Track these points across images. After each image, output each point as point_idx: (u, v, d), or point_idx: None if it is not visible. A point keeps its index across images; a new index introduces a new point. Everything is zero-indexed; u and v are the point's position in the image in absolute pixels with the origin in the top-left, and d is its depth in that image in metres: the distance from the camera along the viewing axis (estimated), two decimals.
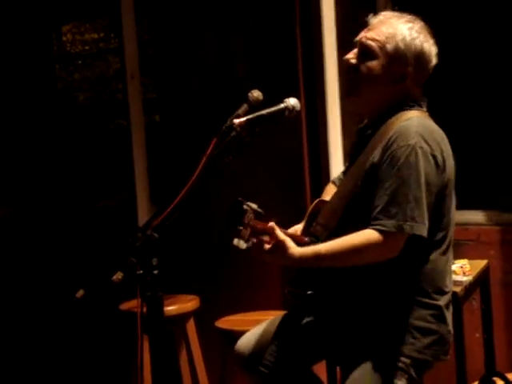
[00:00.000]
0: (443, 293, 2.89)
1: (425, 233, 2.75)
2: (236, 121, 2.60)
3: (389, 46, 2.85)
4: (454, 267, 3.40)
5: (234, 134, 2.59)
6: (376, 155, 2.81)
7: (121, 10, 4.95)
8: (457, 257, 3.57)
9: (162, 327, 2.46)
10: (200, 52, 4.71)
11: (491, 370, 3.53)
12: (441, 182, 2.82)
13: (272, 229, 2.72)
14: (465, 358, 3.28)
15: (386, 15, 2.94)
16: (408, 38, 2.85)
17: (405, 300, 2.84)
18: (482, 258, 3.86)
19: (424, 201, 2.74)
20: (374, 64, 2.86)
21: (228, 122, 2.60)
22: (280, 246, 2.72)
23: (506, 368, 3.81)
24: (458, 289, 3.24)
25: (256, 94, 2.69)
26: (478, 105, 4.43)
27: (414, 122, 2.82)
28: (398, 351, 2.81)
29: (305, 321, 3.07)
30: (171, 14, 4.84)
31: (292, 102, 2.74)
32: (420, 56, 2.87)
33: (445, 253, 2.91)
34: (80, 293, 2.48)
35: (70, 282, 4.71)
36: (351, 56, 2.93)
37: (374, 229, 2.73)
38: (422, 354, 2.84)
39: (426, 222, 2.75)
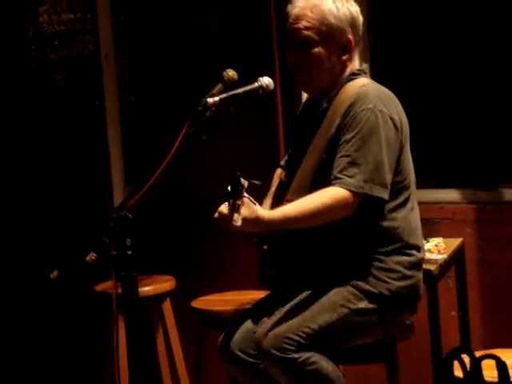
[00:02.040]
0: (419, 248, 3.02)
1: (385, 195, 2.84)
2: (210, 100, 2.61)
3: (324, 28, 2.92)
4: (428, 245, 3.42)
5: (208, 113, 2.59)
6: (336, 123, 2.88)
7: None
8: (432, 235, 3.60)
9: (138, 307, 2.46)
10: (175, 32, 4.68)
11: (461, 347, 3.54)
12: (399, 143, 2.90)
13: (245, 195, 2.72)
14: (440, 335, 3.30)
15: None
16: (336, 11, 2.93)
17: (378, 252, 2.93)
18: (457, 236, 3.88)
19: (385, 163, 2.82)
20: (317, 50, 2.94)
21: (202, 102, 2.60)
22: (249, 210, 2.68)
23: (481, 346, 3.83)
24: (432, 267, 3.26)
25: (231, 73, 2.70)
26: (454, 84, 4.43)
27: (371, 88, 2.92)
28: (370, 282, 2.91)
29: (278, 308, 3.05)
30: None
31: (266, 81, 2.74)
32: (352, 21, 2.97)
33: (412, 210, 3.00)
34: (54, 273, 2.48)
35: (45, 263, 4.70)
36: (293, 58, 2.98)
37: (335, 187, 2.79)
38: (393, 294, 2.92)
39: (388, 185, 2.84)
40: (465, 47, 4.35)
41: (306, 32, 2.92)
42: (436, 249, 3.45)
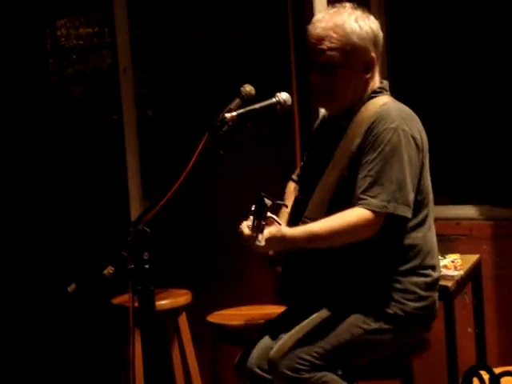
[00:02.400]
0: (435, 267, 3.00)
1: (409, 214, 2.84)
2: (228, 115, 2.60)
3: (347, 48, 2.90)
4: (445, 261, 3.42)
5: (225, 128, 2.59)
6: (359, 141, 2.87)
7: (114, 3, 4.94)
8: (448, 251, 3.59)
9: (154, 321, 2.46)
10: (193, 46, 4.71)
11: (479, 363, 3.53)
12: (420, 162, 2.90)
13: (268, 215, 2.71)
14: (456, 352, 3.28)
15: (325, 19, 2.94)
16: (359, 30, 2.91)
17: (397, 273, 2.91)
18: (474, 252, 3.86)
19: (408, 183, 2.82)
20: (341, 70, 2.92)
21: (220, 116, 2.60)
22: (274, 228, 2.70)
23: (497, 363, 3.81)
24: (449, 283, 3.24)
25: (248, 88, 2.70)
26: (472, 101, 4.43)
27: (392, 107, 2.91)
28: (385, 303, 2.89)
29: (294, 325, 3.05)
30: (165, 8, 4.84)
31: (283, 96, 2.74)
32: (374, 38, 2.96)
33: (430, 229, 3.00)
34: (72, 287, 2.48)
35: (63, 276, 4.72)
36: (317, 79, 2.96)
37: (359, 208, 2.79)
38: (409, 315, 2.91)
39: (411, 204, 2.83)
40: (480, 62, 4.35)
41: (329, 53, 2.89)
42: (453, 265, 3.43)
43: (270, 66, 4.39)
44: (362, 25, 2.91)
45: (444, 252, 3.44)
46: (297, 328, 2.92)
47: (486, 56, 4.32)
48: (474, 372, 2.82)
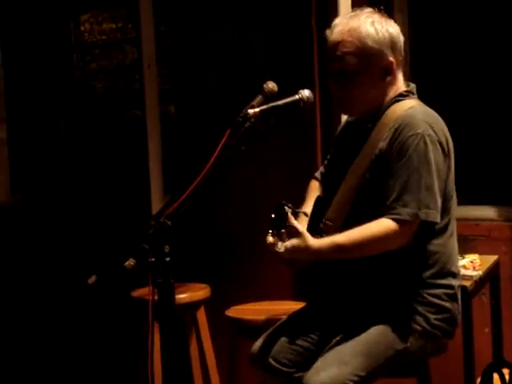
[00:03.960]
0: (455, 275, 2.98)
1: (438, 219, 2.83)
2: (250, 111, 2.61)
3: (363, 52, 2.87)
4: (464, 262, 3.42)
5: (248, 124, 2.59)
6: (384, 145, 2.86)
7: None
8: (467, 252, 3.60)
9: (173, 314, 2.48)
10: (216, 43, 4.72)
11: (499, 360, 3.53)
12: (447, 167, 2.88)
13: (294, 224, 2.70)
14: (473, 352, 3.29)
15: (342, 23, 2.92)
16: (375, 34, 2.87)
17: (418, 282, 2.89)
18: (492, 253, 3.86)
19: (436, 188, 2.80)
20: (358, 76, 2.89)
21: (242, 113, 2.61)
22: (298, 238, 2.71)
23: None
24: (467, 283, 3.25)
25: (271, 85, 2.70)
26: (491, 102, 4.43)
27: (418, 111, 2.88)
28: (410, 317, 2.87)
29: (313, 320, 3.09)
30: (188, 4, 4.86)
31: (306, 93, 2.74)
32: (392, 42, 2.91)
33: (451, 235, 2.97)
34: (92, 279, 2.50)
35: (84, 269, 4.75)
36: (334, 85, 2.95)
37: (389, 218, 2.78)
38: (432, 328, 2.90)
39: (439, 209, 2.82)
40: (499, 62, 4.35)
41: (345, 58, 2.87)
42: (471, 265, 3.44)
43: (293, 63, 4.40)
44: (380, 29, 2.87)
45: (463, 252, 3.44)
46: (330, 353, 2.85)
47: (504, 56, 4.32)
48: (494, 368, 2.84)
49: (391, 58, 2.90)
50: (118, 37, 5.96)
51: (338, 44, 2.89)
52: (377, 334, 2.86)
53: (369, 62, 2.88)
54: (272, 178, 4.47)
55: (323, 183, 3.24)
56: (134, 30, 5.32)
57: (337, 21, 2.97)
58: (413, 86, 3.02)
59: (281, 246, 2.62)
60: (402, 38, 2.96)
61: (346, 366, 2.78)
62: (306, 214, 2.93)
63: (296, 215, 2.74)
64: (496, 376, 2.91)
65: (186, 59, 4.95)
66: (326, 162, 3.31)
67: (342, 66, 2.89)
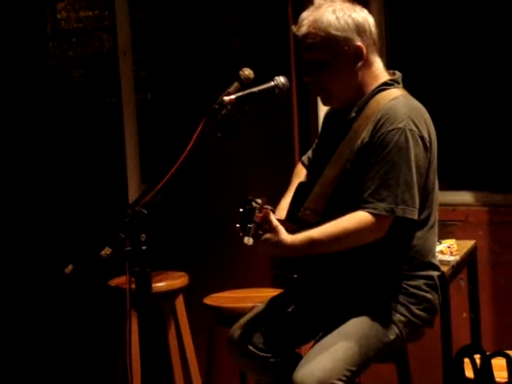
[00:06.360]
0: (435, 267, 3.00)
1: (416, 216, 2.81)
2: (226, 98, 2.61)
3: (328, 42, 2.86)
4: (441, 247, 3.43)
5: (224, 111, 2.59)
6: (365, 137, 2.84)
7: None
8: (444, 237, 3.61)
9: (151, 302, 2.48)
10: (193, 30, 4.70)
11: (471, 345, 3.55)
12: (427, 162, 2.86)
13: (267, 214, 2.68)
14: (451, 337, 3.30)
15: (308, 16, 2.91)
16: (337, 22, 2.86)
17: (399, 274, 2.91)
18: (469, 238, 3.89)
19: (415, 184, 2.79)
20: (331, 67, 2.88)
21: (218, 100, 2.61)
22: (272, 233, 2.70)
23: (492, 348, 3.83)
24: (445, 268, 3.25)
25: (247, 71, 2.70)
26: (469, 87, 4.44)
27: (401, 103, 2.85)
28: (394, 309, 2.89)
29: (291, 307, 3.09)
30: None
31: (282, 80, 2.75)
32: (357, 27, 2.89)
33: (432, 228, 2.97)
34: (69, 268, 2.49)
35: (60, 258, 4.74)
36: (307, 78, 2.96)
37: (365, 211, 2.77)
38: (414, 317, 2.92)
39: (417, 206, 2.80)
40: (475, 48, 4.36)
41: (313, 50, 2.88)
42: (448, 250, 3.45)
43: (269, 49, 4.39)
44: (340, 15, 2.86)
45: (440, 237, 3.45)
46: (318, 348, 2.84)
47: (480, 46, 4.34)
48: (465, 352, 2.86)
49: (359, 43, 2.88)
50: (94, 24, 5.92)
51: (305, 37, 2.89)
52: (366, 327, 2.86)
53: (336, 50, 2.87)
54: (249, 164, 4.47)
55: (308, 171, 3.23)
56: (111, 18, 5.29)
57: (303, 15, 2.95)
58: (399, 74, 2.99)
59: (247, 240, 2.61)
60: (370, 22, 2.93)
61: (339, 362, 2.77)
62: (272, 211, 2.85)
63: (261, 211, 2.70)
64: (467, 360, 2.92)
65: (162, 46, 4.93)
66: (314, 145, 3.29)
67: (312, 58, 2.90)
